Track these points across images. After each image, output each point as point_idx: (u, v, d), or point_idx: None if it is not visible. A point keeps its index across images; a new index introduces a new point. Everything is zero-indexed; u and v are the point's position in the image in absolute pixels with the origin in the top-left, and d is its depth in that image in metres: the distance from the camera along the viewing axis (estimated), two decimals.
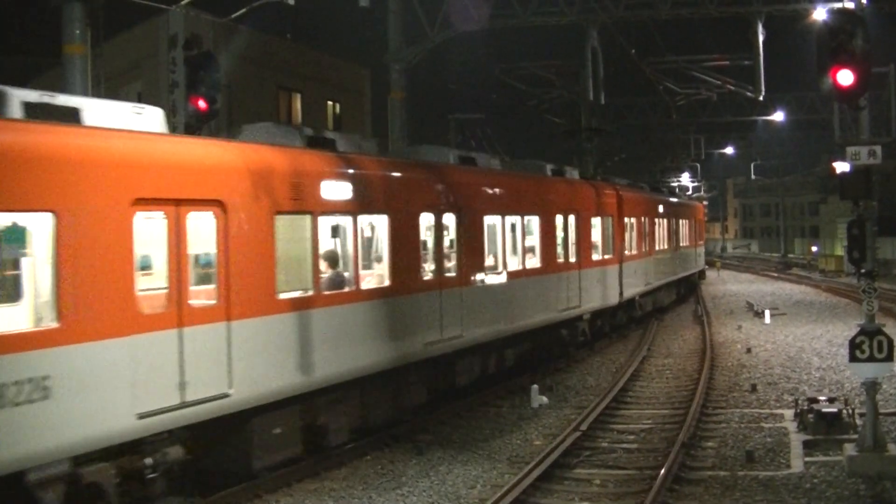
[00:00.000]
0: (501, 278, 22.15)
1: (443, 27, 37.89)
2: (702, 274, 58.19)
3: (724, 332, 34.24)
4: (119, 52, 33.96)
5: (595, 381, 24.66)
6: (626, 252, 32.91)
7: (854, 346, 15.35)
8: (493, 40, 66.82)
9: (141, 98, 35.87)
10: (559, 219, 26.24)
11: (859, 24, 15.07)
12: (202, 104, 20.42)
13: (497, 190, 22.78)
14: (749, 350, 29.12)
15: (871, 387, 15.39)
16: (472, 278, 20.59)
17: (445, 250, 19.71)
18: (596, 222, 29.53)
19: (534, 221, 24.52)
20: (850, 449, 15.39)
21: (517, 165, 27.63)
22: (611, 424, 19.34)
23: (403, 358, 17.59)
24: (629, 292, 32.94)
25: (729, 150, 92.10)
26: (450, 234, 20.02)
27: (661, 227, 40.80)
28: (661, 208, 41.25)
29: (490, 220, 21.90)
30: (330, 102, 43.89)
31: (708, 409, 20.29)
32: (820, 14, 30.60)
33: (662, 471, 14.80)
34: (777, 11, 38.91)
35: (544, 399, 21.67)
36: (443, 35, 38.12)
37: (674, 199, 49.51)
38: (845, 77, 14.81)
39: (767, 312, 38.72)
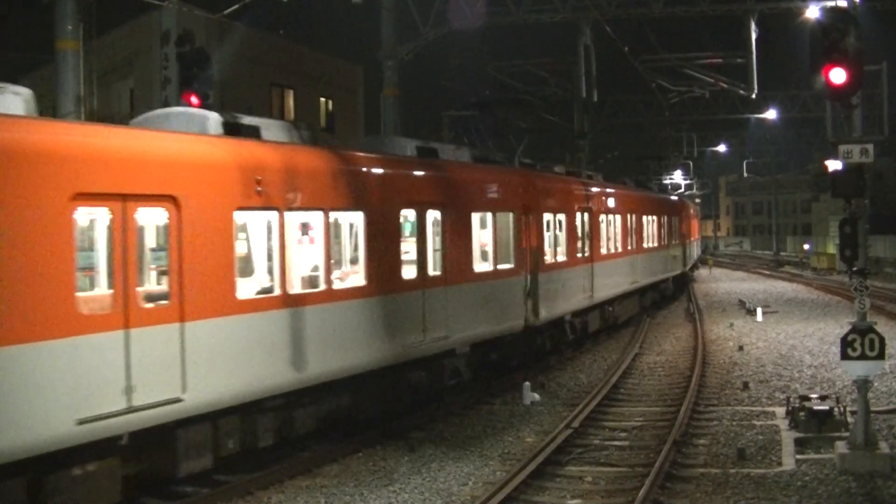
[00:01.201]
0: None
1: (436, 24, 37.90)
2: (684, 277, 52.42)
3: (716, 330, 34.28)
4: (112, 49, 33.91)
5: (587, 379, 24.67)
6: (547, 258, 25.78)
7: (846, 343, 15.39)
8: (487, 37, 66.77)
9: (133, 94, 35.87)
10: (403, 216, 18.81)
11: (852, 22, 15.09)
12: (194, 100, 20.43)
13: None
14: (741, 348, 29.15)
15: (863, 384, 15.44)
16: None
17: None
18: (479, 219, 21.81)
19: (356, 219, 17.43)
20: (841, 446, 15.43)
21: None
22: (603, 422, 19.34)
23: None
24: (553, 310, 25.89)
25: (721, 148, 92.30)
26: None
27: (613, 224, 33.81)
28: (611, 202, 33.72)
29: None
30: (322, 99, 43.85)
31: (700, 406, 20.31)
32: (813, 12, 30.62)
33: (654, 468, 14.81)
34: (770, 9, 39.03)
35: (536, 396, 21.69)
36: (436, 32, 38.14)
37: (638, 192, 42.46)
38: (838, 75, 14.84)
39: (759, 310, 38.78)
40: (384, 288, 17.42)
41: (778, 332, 33.19)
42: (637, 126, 72.62)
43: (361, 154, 18.60)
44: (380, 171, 18.27)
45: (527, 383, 21.85)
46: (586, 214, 29.75)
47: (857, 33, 14.94)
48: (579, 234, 29.07)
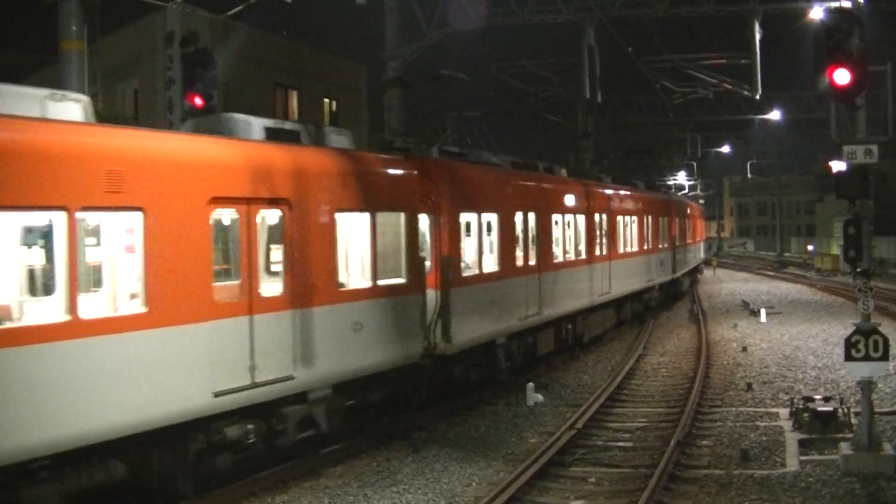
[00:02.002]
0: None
1: (439, 25, 37.92)
2: (675, 285, 46.31)
3: (719, 331, 34.26)
4: (116, 49, 33.91)
5: (591, 379, 24.67)
6: (469, 269, 20.92)
7: (850, 345, 15.38)
8: (490, 38, 66.89)
9: (137, 95, 35.90)
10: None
11: (856, 23, 15.09)
12: (198, 101, 20.46)
13: None
14: (745, 349, 29.13)
15: (867, 386, 15.42)
16: None
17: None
18: (350, 221, 16.99)
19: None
20: (845, 448, 15.42)
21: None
22: (606, 423, 19.34)
23: None
24: (476, 332, 20.76)
25: (725, 149, 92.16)
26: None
27: (573, 226, 28.15)
28: (569, 199, 28.03)
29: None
30: (326, 100, 43.85)
31: (703, 407, 20.30)
32: (817, 13, 30.62)
33: (658, 469, 14.80)
34: (774, 10, 39.03)
35: (540, 397, 21.70)
36: (440, 33, 38.16)
37: (609, 187, 34.24)
38: (842, 76, 14.83)
39: (763, 311, 38.76)
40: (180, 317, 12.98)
41: (782, 333, 33.16)
42: (641, 127, 72.57)
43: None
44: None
45: (530, 384, 21.85)
46: (532, 214, 24.50)
47: (862, 34, 14.93)
48: (520, 237, 23.81)
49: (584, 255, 28.87)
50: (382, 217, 17.49)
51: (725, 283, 63.02)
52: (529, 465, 15.30)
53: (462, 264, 20.44)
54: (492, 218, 22.10)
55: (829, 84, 14.93)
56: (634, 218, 35.92)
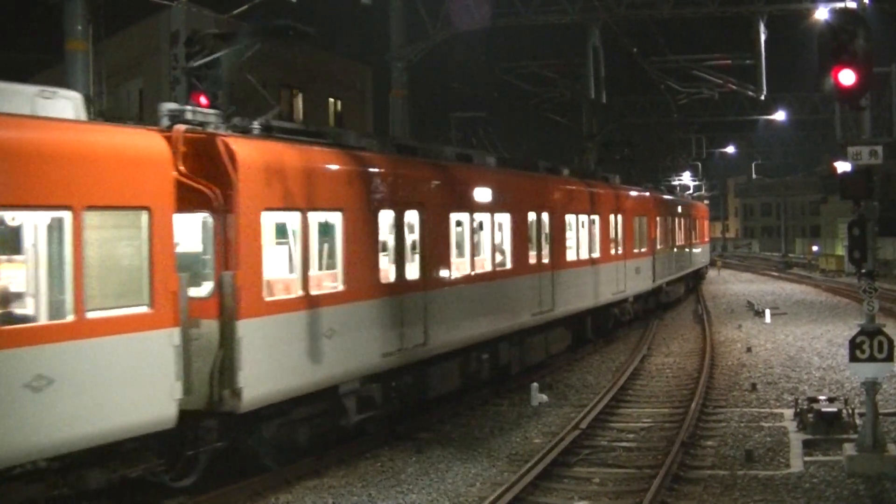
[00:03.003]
0: None
1: (444, 25, 37.93)
2: (657, 295, 39.70)
3: (724, 332, 34.24)
4: (120, 49, 33.97)
5: (595, 380, 24.66)
6: (274, 291, 14.94)
7: (854, 345, 15.37)
8: (495, 39, 66.87)
9: (143, 94, 35.95)
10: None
11: (861, 24, 15.08)
12: (203, 101, 20.44)
13: None
14: (749, 349, 29.11)
15: (871, 387, 15.41)
16: None
17: None
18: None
19: None
20: (849, 449, 15.41)
21: None
22: (610, 423, 19.34)
23: None
24: (292, 379, 14.87)
25: (730, 150, 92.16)
26: None
27: (488, 229, 21.89)
28: (484, 195, 21.65)
29: None
30: (332, 100, 43.89)
31: (708, 408, 20.29)
32: (822, 14, 30.63)
33: (662, 470, 14.80)
34: (779, 11, 38.95)
35: (544, 397, 21.69)
36: (444, 33, 38.18)
37: (557, 179, 27.97)
38: (847, 77, 14.82)
39: (768, 312, 38.71)
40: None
41: (786, 333, 33.13)
42: (646, 127, 72.56)
43: None
44: None
45: (535, 384, 21.85)
46: (415, 211, 18.44)
47: (867, 35, 14.92)
48: (392, 242, 17.75)
49: (509, 265, 22.73)
50: (95, 218, 11.86)
51: (730, 284, 62.98)
52: (533, 466, 15.30)
53: (269, 282, 14.63)
54: (334, 218, 16.08)
55: (834, 85, 14.92)
56: (594, 218, 29.53)
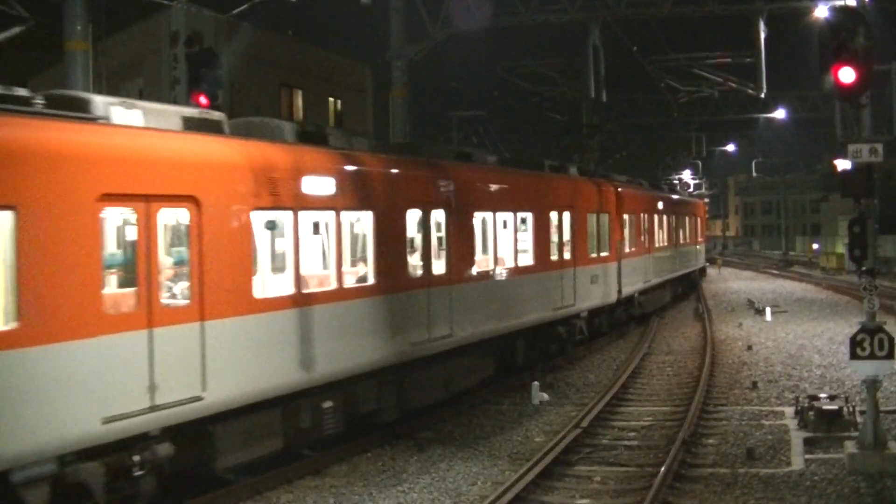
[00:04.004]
0: None
1: (445, 25, 37.95)
2: (626, 306, 33.81)
3: (724, 330, 34.24)
4: (121, 49, 34.01)
5: (596, 378, 24.66)
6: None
7: (855, 343, 15.37)
8: (495, 38, 66.84)
9: (143, 95, 35.97)
10: None
11: (861, 21, 15.09)
12: (203, 101, 20.50)
13: None
14: (750, 347, 29.11)
15: (872, 384, 15.42)
16: None
17: None
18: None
19: None
20: (850, 446, 15.42)
21: None
22: (611, 421, 19.34)
23: None
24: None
25: (731, 148, 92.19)
26: None
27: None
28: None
29: None
30: (331, 99, 43.91)
31: (709, 406, 20.29)
32: (822, 12, 30.67)
33: (663, 468, 14.80)
34: (779, 9, 39.00)
35: (545, 396, 21.70)
36: (445, 33, 38.20)
37: (465, 171, 21.42)
38: (847, 75, 14.83)
39: (768, 310, 38.70)
40: None
41: (787, 331, 33.13)
42: (646, 126, 72.63)
43: None
44: None
45: (535, 383, 21.86)
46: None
47: (867, 33, 14.93)
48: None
49: (372, 279, 16.88)
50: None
51: (731, 282, 62.96)
52: (535, 464, 15.30)
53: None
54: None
55: (834, 83, 14.92)
56: (523, 216, 23.65)
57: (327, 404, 15.55)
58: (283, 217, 14.77)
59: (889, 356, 15.29)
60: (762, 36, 39.51)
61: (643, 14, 40.18)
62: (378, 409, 17.24)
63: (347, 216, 16.43)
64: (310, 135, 16.49)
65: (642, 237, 36.20)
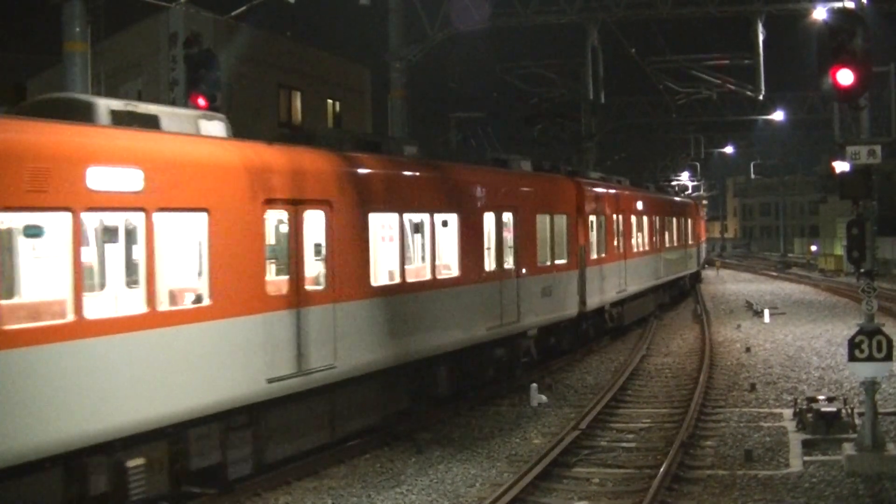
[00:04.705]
0: None
1: (443, 26, 37.94)
2: (599, 317, 30.40)
3: (723, 332, 34.24)
4: (120, 50, 34.01)
5: (594, 380, 24.66)
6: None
7: (853, 345, 15.37)
8: (494, 39, 66.90)
9: (141, 96, 35.95)
10: None
11: (860, 23, 15.10)
12: (202, 102, 20.50)
13: None
14: (748, 349, 29.11)
15: (870, 386, 15.42)
16: None
17: None
18: None
19: None
20: (849, 448, 15.42)
21: None
22: (610, 423, 19.34)
23: None
24: None
25: (729, 150, 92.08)
26: None
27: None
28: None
29: None
30: (330, 101, 43.90)
31: (707, 408, 20.29)
32: (820, 14, 30.64)
33: (661, 470, 14.80)
34: (777, 11, 38.98)
35: (543, 398, 21.69)
36: (443, 34, 38.18)
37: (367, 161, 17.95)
38: (845, 77, 14.84)
39: (767, 312, 38.72)
40: None
41: (785, 333, 33.14)
42: (644, 127, 72.62)
43: None
44: None
45: (534, 385, 21.86)
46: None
47: (865, 34, 14.94)
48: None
49: (207, 300, 13.54)
50: None
51: (729, 284, 62.98)
52: (533, 466, 15.30)
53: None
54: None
55: (833, 85, 14.93)
56: (445, 218, 19.87)
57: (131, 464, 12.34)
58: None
59: (887, 358, 15.29)
60: (761, 37, 39.48)
61: (642, 15, 40.16)
62: (218, 464, 13.86)
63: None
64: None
65: (616, 241, 32.19)
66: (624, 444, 17.55)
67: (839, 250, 73.02)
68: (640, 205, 36.93)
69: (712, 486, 14.54)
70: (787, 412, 19.42)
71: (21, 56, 50.05)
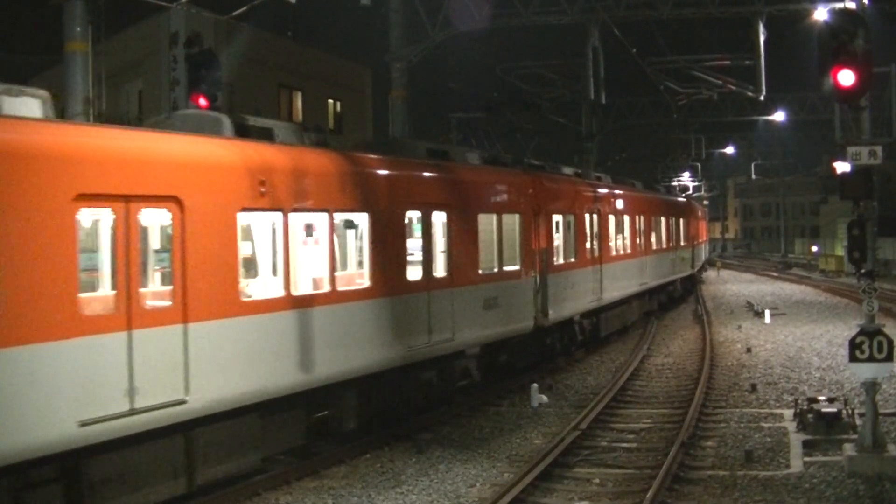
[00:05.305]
0: None
1: (444, 26, 37.93)
2: (565, 331, 27.09)
3: (723, 332, 34.24)
4: (120, 50, 33.98)
5: (595, 380, 24.66)
6: None
7: (854, 346, 15.37)
8: (495, 39, 66.80)
9: (142, 95, 35.98)
10: None
11: (860, 24, 15.09)
12: (203, 102, 20.49)
13: None
14: (749, 350, 29.11)
15: (871, 387, 15.41)
16: None
17: None
18: None
19: None
20: (849, 449, 15.42)
21: None
22: (610, 423, 19.34)
23: None
24: None
25: (730, 150, 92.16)
26: None
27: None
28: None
29: None
30: (331, 101, 43.90)
31: (707, 408, 20.30)
32: (821, 14, 30.59)
33: (662, 470, 14.80)
34: (778, 11, 38.96)
35: (544, 398, 21.70)
36: (444, 34, 38.16)
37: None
38: (846, 77, 14.83)
39: (767, 312, 38.72)
40: None
41: (786, 334, 33.13)
42: (645, 128, 72.57)
43: None
44: None
45: (534, 385, 21.86)
46: None
47: (866, 35, 14.94)
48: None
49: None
50: None
51: (730, 285, 62.99)
52: (534, 466, 15.30)
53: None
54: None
55: (834, 85, 14.93)
56: (350, 218, 17.29)
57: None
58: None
59: (888, 359, 15.29)
60: (761, 38, 39.45)
61: (643, 16, 40.15)
62: None
63: None
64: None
65: (589, 244, 28.75)
66: (624, 445, 17.55)
67: (840, 251, 72.96)
68: (620, 203, 33.65)
69: (712, 487, 14.54)
70: (788, 413, 19.42)
71: (21, 56, 50.05)
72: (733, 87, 47.74)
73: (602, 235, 30.09)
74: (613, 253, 31.81)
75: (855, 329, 15.93)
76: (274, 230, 15.05)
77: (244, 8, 26.09)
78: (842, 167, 16.62)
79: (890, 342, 15.29)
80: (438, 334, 18.93)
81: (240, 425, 14.04)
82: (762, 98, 44.16)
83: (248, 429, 14.28)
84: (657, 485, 14.06)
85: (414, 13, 37.59)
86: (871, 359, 15.27)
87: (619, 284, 31.98)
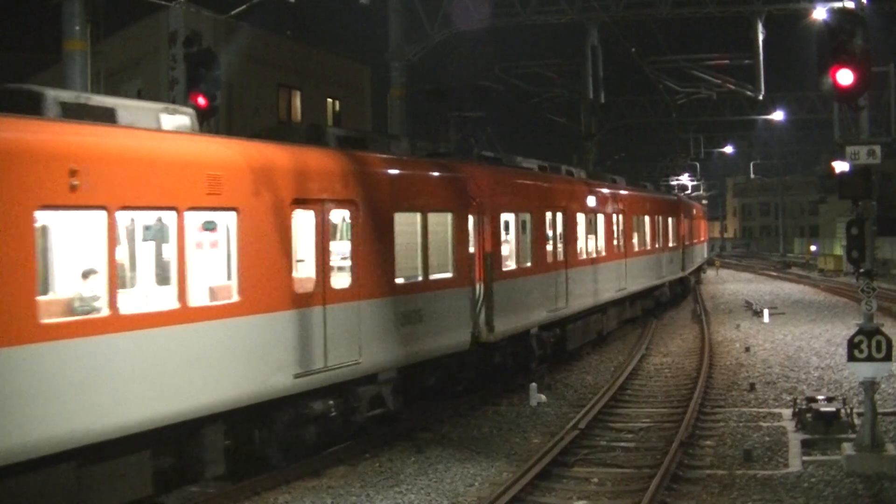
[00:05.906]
0: None
1: (443, 25, 37.95)
2: (524, 344, 23.73)
3: (722, 331, 34.24)
4: (119, 49, 33.97)
5: (593, 380, 24.66)
6: None
7: (852, 345, 15.38)
8: (494, 38, 66.81)
9: (141, 95, 35.94)
10: None
11: (859, 23, 15.10)
12: (202, 101, 20.47)
13: None
14: (748, 349, 29.11)
15: (870, 386, 15.42)
16: None
17: None
18: None
19: None
20: (848, 448, 15.42)
21: None
22: (609, 423, 19.34)
23: None
24: None
25: (729, 150, 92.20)
26: None
27: None
28: None
29: None
30: (330, 100, 43.88)
31: (706, 407, 20.29)
32: (820, 14, 30.63)
33: (660, 469, 14.80)
34: (777, 11, 39.03)
35: (543, 397, 21.70)
36: (443, 33, 38.20)
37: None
38: (845, 77, 14.84)
39: (766, 312, 38.71)
40: None
41: (785, 333, 33.13)
42: (644, 127, 72.66)
43: None
44: None
45: (533, 384, 21.86)
46: None
47: (865, 35, 14.94)
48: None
49: None
50: None
51: (728, 284, 62.98)
52: (532, 466, 15.30)
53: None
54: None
55: (833, 85, 14.94)
56: (211, 218, 14.40)
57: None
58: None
59: (887, 358, 15.30)
60: (760, 37, 39.52)
61: (642, 15, 40.21)
62: None
63: None
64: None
65: (551, 247, 25.61)
66: (623, 444, 17.55)
67: (839, 250, 73.04)
68: (592, 201, 29.72)
69: (711, 486, 14.54)
70: (787, 412, 19.42)
71: (20, 54, 50.04)
72: (732, 87, 47.83)
73: (568, 237, 26.88)
74: (584, 256, 28.61)
75: (853, 328, 15.94)
76: (97, 234, 12.01)
77: (243, 7, 26.08)
78: (841, 167, 16.63)
79: (888, 341, 15.30)
80: (338, 357, 15.76)
81: (56, 475, 11.20)
82: (761, 97, 44.26)
83: (64, 480, 11.32)
84: (656, 484, 14.07)
85: (413, 12, 37.62)
86: (869, 358, 15.28)
87: (589, 290, 28.74)
